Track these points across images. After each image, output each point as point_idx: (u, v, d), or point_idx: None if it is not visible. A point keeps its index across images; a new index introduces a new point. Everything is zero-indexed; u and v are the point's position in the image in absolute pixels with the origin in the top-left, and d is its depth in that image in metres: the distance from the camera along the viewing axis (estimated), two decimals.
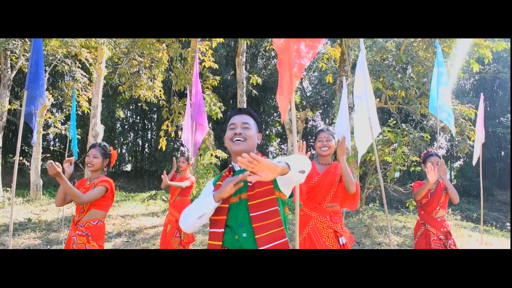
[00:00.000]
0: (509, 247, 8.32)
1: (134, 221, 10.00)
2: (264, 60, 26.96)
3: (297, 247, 3.08)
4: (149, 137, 30.03)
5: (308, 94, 29.34)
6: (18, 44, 12.01)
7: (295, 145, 3.37)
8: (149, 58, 13.83)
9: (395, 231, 9.40)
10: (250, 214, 2.07)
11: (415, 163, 11.31)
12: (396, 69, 11.79)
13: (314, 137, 3.97)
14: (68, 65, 12.88)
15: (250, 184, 2.14)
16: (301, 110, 19.96)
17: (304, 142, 3.59)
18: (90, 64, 12.72)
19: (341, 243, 3.64)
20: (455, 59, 11.35)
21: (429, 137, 11.73)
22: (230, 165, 2.32)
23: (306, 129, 27.73)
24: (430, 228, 4.43)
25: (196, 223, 2.12)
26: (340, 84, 11.58)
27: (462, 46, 11.13)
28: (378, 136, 11.53)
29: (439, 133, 6.51)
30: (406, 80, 11.13)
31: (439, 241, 4.36)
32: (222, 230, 2.11)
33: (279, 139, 31.02)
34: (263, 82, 20.77)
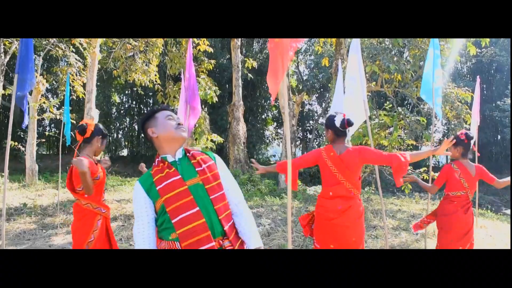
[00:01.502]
0: (504, 231, 8.37)
1: (129, 205, 10.00)
2: (260, 43, 26.79)
3: (290, 247, 3.08)
4: None
5: (305, 78, 29.22)
6: None
7: (286, 129, 3.34)
8: (144, 42, 13.69)
9: (390, 214, 9.44)
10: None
11: (411, 147, 11.32)
12: (393, 52, 11.69)
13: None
14: (62, 49, 12.73)
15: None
16: (297, 94, 19.90)
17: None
18: (84, 49, 12.58)
19: None
20: (452, 41, 11.25)
21: (425, 121, 11.72)
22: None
23: (303, 113, 27.69)
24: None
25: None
26: (336, 67, 11.51)
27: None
28: (374, 120, 11.52)
29: (435, 116, 6.47)
30: (402, 63, 11.06)
31: None
32: None
33: (275, 123, 31.02)
34: (259, 65, 20.69)
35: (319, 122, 27.19)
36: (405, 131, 11.68)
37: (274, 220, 8.27)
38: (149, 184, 2.19)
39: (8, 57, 14.36)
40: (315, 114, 30.00)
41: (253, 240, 2.22)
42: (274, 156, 31.88)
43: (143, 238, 2.14)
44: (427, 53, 6.37)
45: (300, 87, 27.44)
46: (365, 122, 5.47)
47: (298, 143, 28.90)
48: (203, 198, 2.12)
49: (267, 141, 31.54)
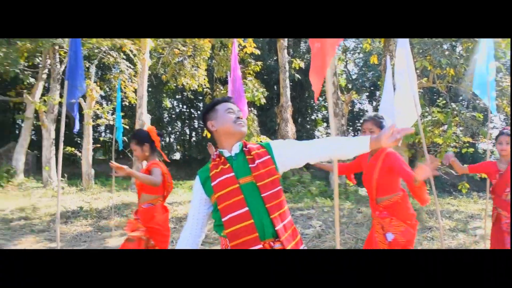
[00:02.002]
0: None
1: (181, 207, 10.17)
2: (307, 44, 26.60)
3: (338, 247, 3.02)
4: (196, 126, 30.41)
5: (354, 77, 28.76)
6: (65, 39, 12.36)
7: (332, 128, 3.27)
8: (191, 47, 13.91)
9: (446, 215, 9.08)
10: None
11: (467, 144, 10.87)
12: (444, 46, 11.26)
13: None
14: (113, 57, 13.16)
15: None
16: (345, 93, 19.58)
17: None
18: (135, 55, 12.93)
19: (388, 240, 3.46)
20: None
21: (482, 117, 11.22)
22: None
23: (353, 112, 27.26)
24: (501, 211, 4.04)
25: None
26: (385, 64, 11.23)
27: None
28: (426, 117, 11.15)
29: (491, 111, 6.16)
30: (455, 57, 10.63)
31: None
32: None
33: (325, 124, 30.68)
34: (306, 66, 20.48)
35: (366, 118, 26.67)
36: (461, 128, 11.24)
37: (325, 221, 8.15)
38: (205, 178, 2.18)
39: (63, 66, 14.99)
40: (366, 113, 29.44)
41: (356, 147, 2.07)
42: None
43: (185, 236, 2.23)
44: (479, 45, 6.08)
45: (350, 86, 26.99)
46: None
47: None
48: (255, 197, 2.04)
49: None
